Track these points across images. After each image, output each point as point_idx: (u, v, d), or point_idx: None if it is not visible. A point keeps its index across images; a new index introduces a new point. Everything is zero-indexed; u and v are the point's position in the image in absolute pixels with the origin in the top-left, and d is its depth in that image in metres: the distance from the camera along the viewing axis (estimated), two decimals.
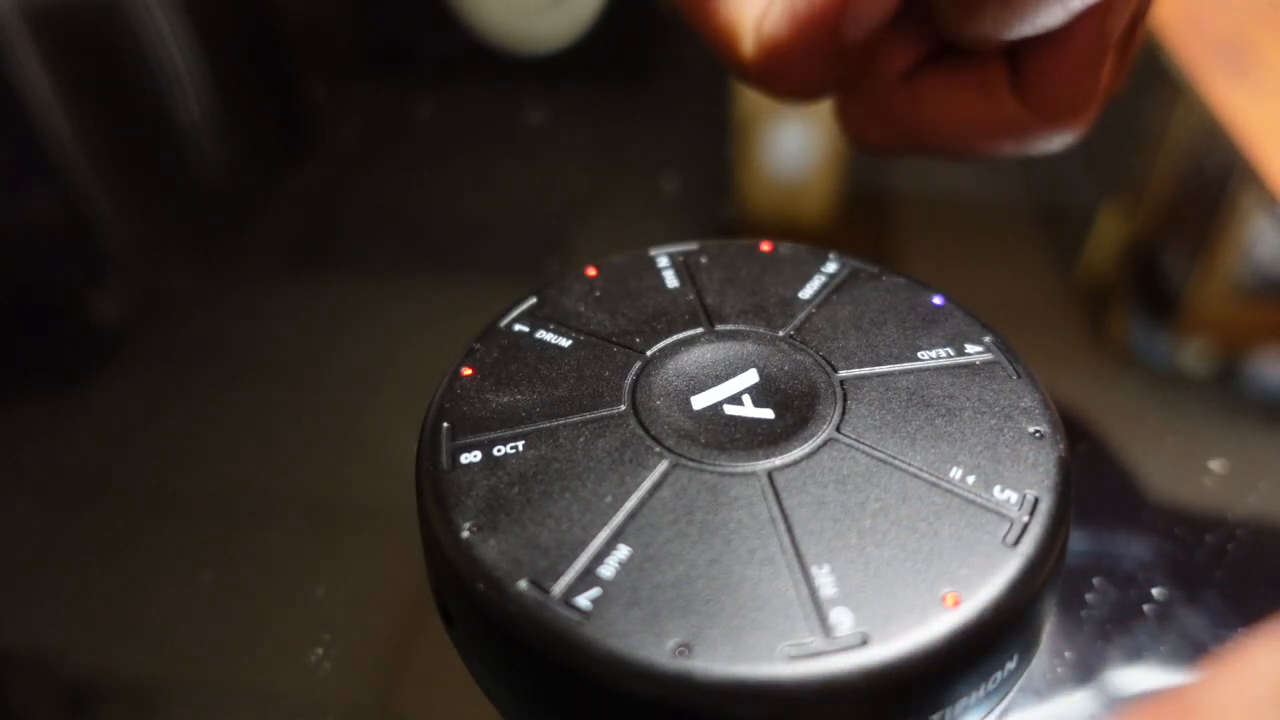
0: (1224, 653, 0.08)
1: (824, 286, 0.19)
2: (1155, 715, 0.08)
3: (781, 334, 0.18)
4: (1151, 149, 0.37)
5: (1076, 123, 0.21)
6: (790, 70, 0.21)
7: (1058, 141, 0.22)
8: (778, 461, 0.16)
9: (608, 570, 0.14)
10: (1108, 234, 0.33)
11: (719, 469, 0.15)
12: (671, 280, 0.20)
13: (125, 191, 0.37)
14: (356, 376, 0.27)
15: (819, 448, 0.16)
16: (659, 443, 0.16)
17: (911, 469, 0.15)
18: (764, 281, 0.19)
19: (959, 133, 0.22)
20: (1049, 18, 0.18)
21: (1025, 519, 0.15)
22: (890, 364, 0.17)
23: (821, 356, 0.18)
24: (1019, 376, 0.17)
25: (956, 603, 0.13)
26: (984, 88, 0.21)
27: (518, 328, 0.19)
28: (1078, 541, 0.20)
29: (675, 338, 0.18)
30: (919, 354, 0.18)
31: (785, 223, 0.35)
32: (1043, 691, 0.18)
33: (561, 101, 0.40)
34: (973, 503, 0.15)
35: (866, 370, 0.17)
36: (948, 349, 0.18)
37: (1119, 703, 0.18)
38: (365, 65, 0.46)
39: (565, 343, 0.18)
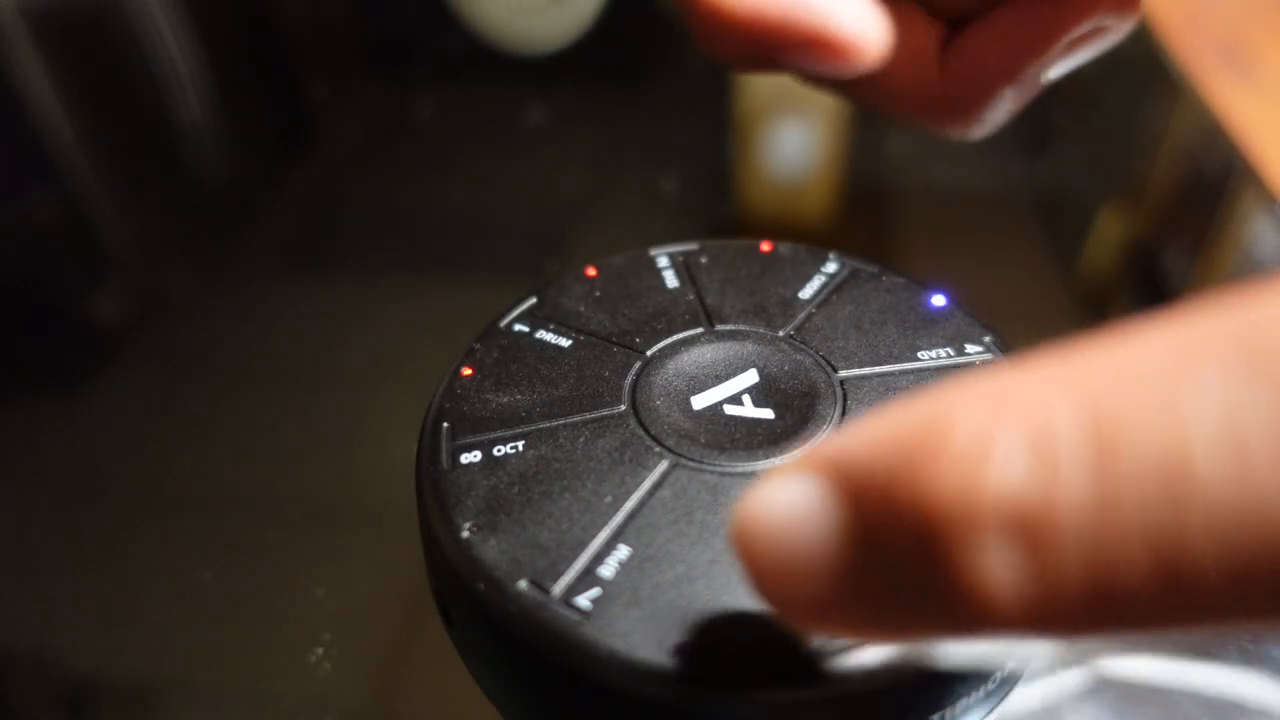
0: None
1: (824, 286, 0.19)
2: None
3: (781, 334, 0.18)
4: (1151, 149, 0.37)
5: (980, 117, 0.19)
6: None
7: (956, 130, 0.19)
8: (778, 461, 0.15)
9: (608, 570, 0.14)
10: (1108, 234, 0.33)
11: (719, 469, 0.15)
12: (671, 280, 0.20)
13: (125, 192, 0.37)
14: (356, 377, 0.27)
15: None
16: (659, 443, 0.16)
17: None
18: (764, 281, 0.19)
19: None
20: None
21: None
22: (890, 364, 0.17)
23: (821, 356, 0.18)
24: None
25: None
26: (913, 33, 0.18)
27: (518, 328, 0.19)
28: None
29: (675, 338, 0.18)
30: (919, 354, 0.18)
31: (785, 223, 0.35)
32: (1043, 691, 0.18)
33: (561, 101, 0.40)
34: None
35: (866, 370, 0.17)
36: (948, 349, 0.18)
37: (1119, 702, 0.18)
38: (365, 65, 0.46)
39: (565, 343, 0.18)
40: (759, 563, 0.09)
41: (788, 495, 0.09)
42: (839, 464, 0.09)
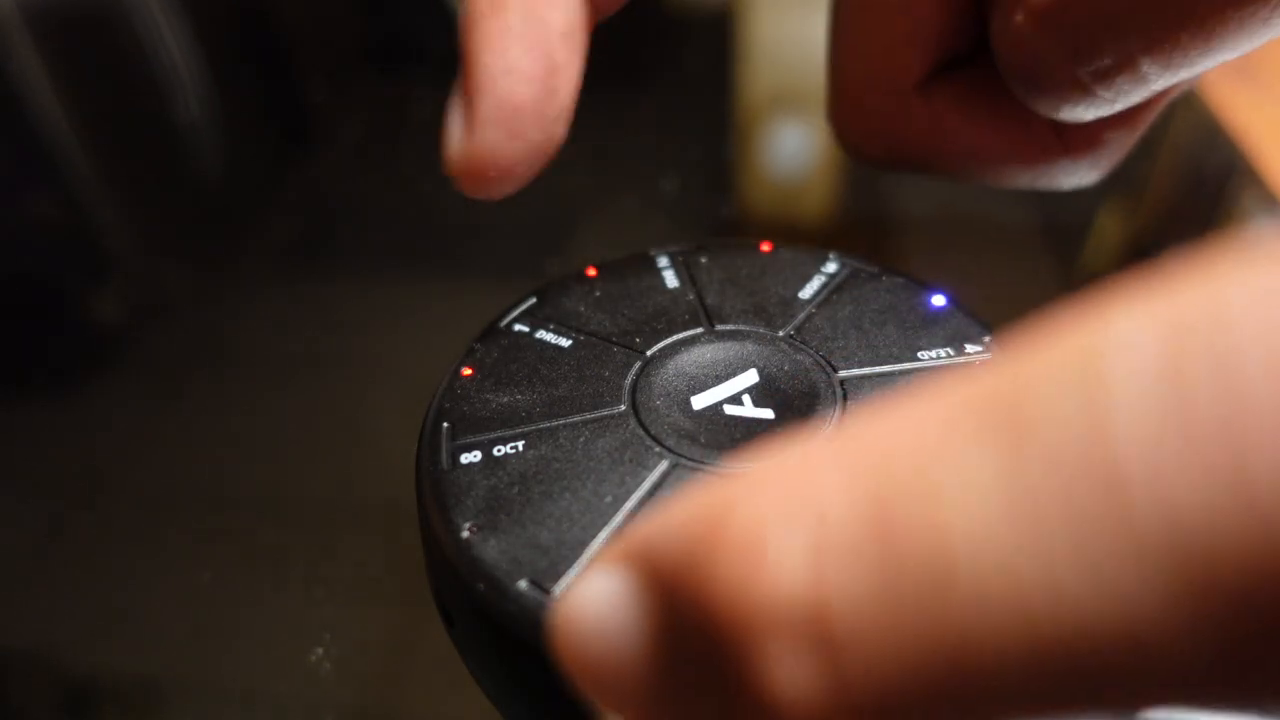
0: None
1: (824, 286, 0.19)
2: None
3: (781, 334, 0.18)
4: (1151, 149, 0.37)
5: (1110, 163, 0.20)
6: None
7: (1085, 179, 0.20)
8: None
9: None
10: (1108, 234, 0.33)
11: (719, 469, 0.15)
12: (671, 280, 0.20)
13: (125, 191, 0.37)
14: (356, 377, 0.27)
15: None
16: (659, 443, 0.16)
17: None
18: (764, 281, 0.19)
19: (979, 156, 0.20)
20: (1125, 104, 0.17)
21: None
22: (890, 364, 0.17)
23: (821, 356, 0.18)
24: None
25: None
26: (1017, 110, 0.19)
27: (518, 328, 0.19)
28: None
29: (675, 338, 0.18)
30: (919, 354, 0.18)
31: (785, 223, 0.35)
32: None
33: None
34: None
35: (867, 370, 0.17)
36: (948, 349, 0.18)
37: None
38: (365, 65, 0.46)
39: (565, 343, 0.18)
40: (573, 661, 0.09)
41: (598, 589, 0.09)
42: (642, 553, 0.08)
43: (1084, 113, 0.17)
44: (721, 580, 0.08)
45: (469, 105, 0.16)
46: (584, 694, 0.09)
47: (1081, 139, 0.19)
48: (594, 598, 0.09)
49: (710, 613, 0.08)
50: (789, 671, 0.07)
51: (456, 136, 0.16)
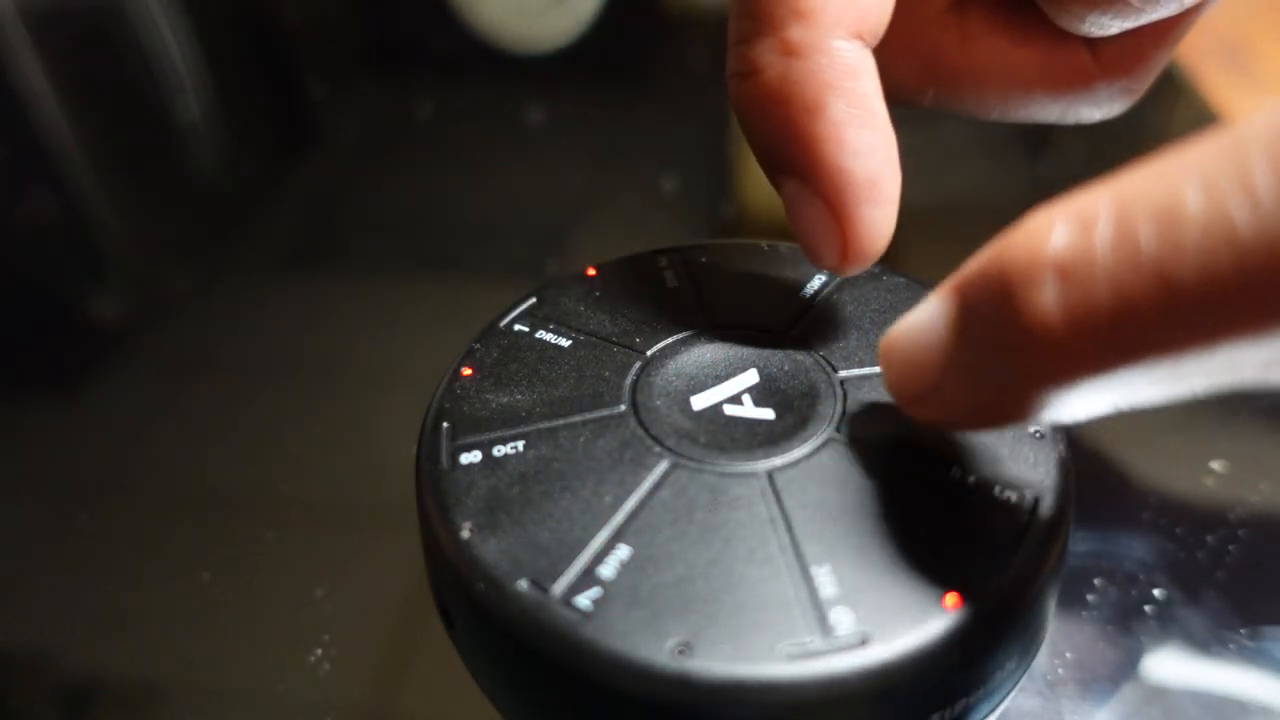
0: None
1: (824, 286, 0.19)
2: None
3: (781, 334, 0.18)
4: (1152, 148, 0.37)
5: (1142, 85, 0.20)
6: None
7: (1115, 107, 0.20)
8: (778, 461, 0.15)
9: (608, 570, 0.14)
10: None
11: (719, 469, 0.15)
12: (671, 280, 0.20)
13: (125, 191, 0.37)
14: (357, 377, 0.27)
15: (819, 448, 0.16)
16: (659, 443, 0.16)
17: (912, 469, 0.15)
18: (764, 281, 0.19)
19: (1012, 80, 0.19)
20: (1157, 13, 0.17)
21: (1025, 519, 0.15)
22: None
23: (821, 356, 0.18)
24: None
25: (957, 603, 0.13)
26: (1051, 31, 0.19)
27: (518, 328, 0.19)
28: (1078, 541, 0.20)
29: (675, 338, 0.18)
30: None
31: (785, 223, 0.35)
32: (1043, 691, 0.18)
33: (561, 101, 0.40)
34: (973, 503, 0.15)
35: (867, 370, 0.17)
36: None
37: (1120, 703, 0.18)
38: (365, 65, 0.46)
39: (565, 343, 0.18)
40: (892, 367, 0.14)
41: (918, 312, 0.13)
42: (957, 279, 0.13)
43: (1110, 23, 0.18)
44: (1013, 252, 0.12)
45: (836, 203, 0.16)
46: (900, 399, 0.14)
47: (1115, 57, 0.19)
48: (913, 319, 0.13)
49: (1000, 271, 0.12)
50: (1055, 299, 0.11)
51: (834, 236, 0.17)
